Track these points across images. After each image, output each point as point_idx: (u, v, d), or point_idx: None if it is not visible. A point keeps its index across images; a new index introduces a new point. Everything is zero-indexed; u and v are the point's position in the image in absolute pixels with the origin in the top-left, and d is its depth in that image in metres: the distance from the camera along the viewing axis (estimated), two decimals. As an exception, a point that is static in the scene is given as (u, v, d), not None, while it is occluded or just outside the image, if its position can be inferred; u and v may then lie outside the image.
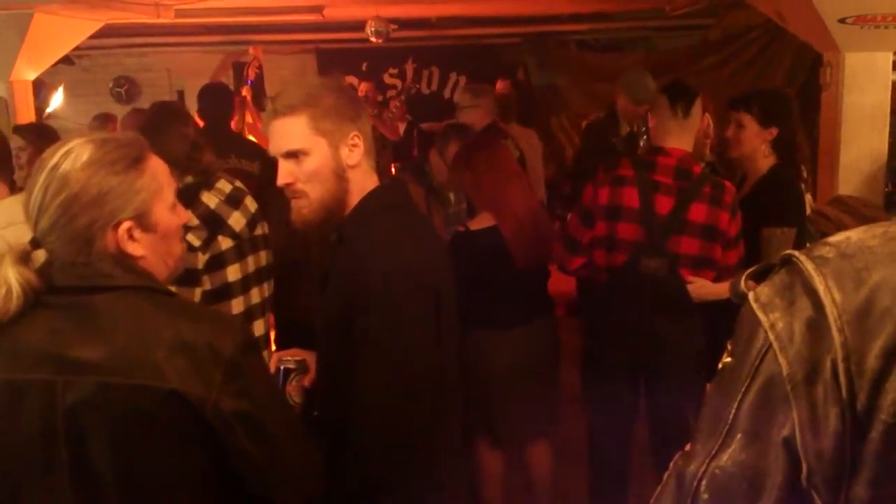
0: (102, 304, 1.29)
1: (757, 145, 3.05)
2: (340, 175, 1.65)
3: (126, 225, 1.33)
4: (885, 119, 4.00)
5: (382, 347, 1.56)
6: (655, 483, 0.87)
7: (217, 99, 4.26)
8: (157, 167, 1.39)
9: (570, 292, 4.39)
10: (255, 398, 1.33)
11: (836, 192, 4.02)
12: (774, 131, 3.03)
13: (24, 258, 1.30)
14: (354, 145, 1.66)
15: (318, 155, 1.63)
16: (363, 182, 1.69)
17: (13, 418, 1.26)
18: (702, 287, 2.74)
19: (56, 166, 1.30)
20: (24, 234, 1.97)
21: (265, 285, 2.60)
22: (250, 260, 2.53)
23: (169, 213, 1.40)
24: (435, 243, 1.81)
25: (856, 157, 4.00)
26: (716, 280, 2.77)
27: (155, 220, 1.36)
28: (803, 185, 3.39)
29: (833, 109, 4.03)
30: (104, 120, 5.63)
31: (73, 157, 1.30)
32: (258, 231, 2.58)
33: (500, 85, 5.96)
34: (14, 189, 2.47)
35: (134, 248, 1.35)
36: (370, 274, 1.57)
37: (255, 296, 2.54)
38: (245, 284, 2.50)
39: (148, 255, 1.37)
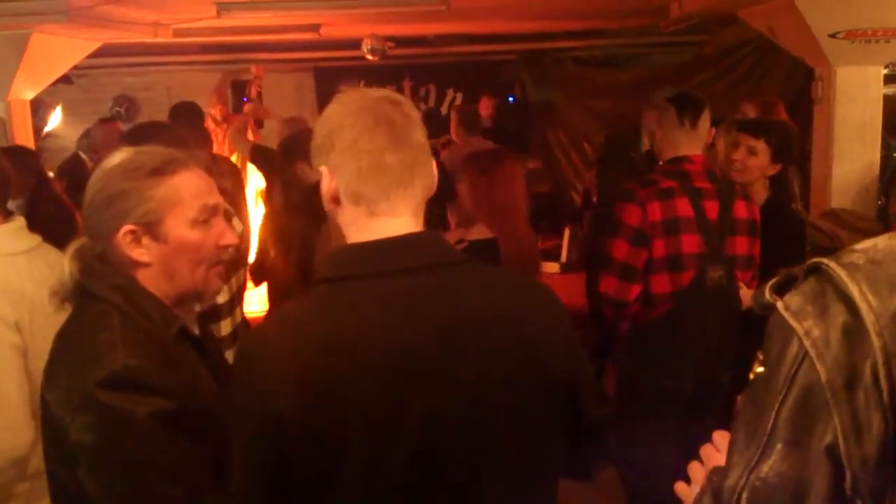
0: (77, 308, 1.37)
1: (761, 176, 3.01)
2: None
3: (127, 228, 1.33)
4: (877, 133, 4.03)
5: None
6: None
7: (188, 117, 4.17)
8: (183, 182, 1.36)
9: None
10: (104, 437, 1.24)
11: (828, 206, 4.05)
12: (779, 167, 3.02)
13: (77, 253, 1.38)
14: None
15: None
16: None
17: None
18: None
19: (98, 169, 1.39)
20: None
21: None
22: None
23: (186, 228, 1.36)
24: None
25: (848, 171, 4.03)
26: (751, 280, 2.68)
27: (165, 232, 1.35)
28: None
29: (825, 123, 4.06)
30: (87, 135, 5.69)
31: (107, 160, 1.39)
32: None
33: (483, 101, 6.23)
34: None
35: (139, 255, 1.35)
36: None
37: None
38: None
39: (155, 265, 1.36)
